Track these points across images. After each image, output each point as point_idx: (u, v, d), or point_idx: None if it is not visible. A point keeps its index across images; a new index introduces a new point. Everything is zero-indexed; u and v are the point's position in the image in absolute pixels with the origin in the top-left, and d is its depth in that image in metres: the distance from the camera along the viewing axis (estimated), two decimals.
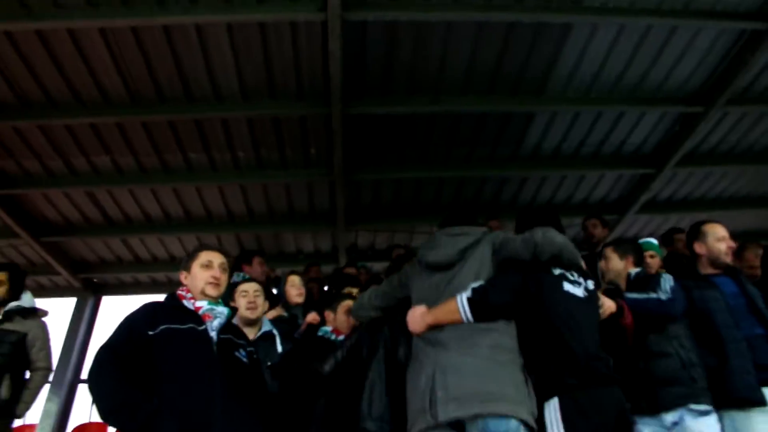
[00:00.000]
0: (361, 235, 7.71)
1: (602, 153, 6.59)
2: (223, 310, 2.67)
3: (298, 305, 4.45)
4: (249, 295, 3.62)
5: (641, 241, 4.64)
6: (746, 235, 8.26)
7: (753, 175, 7.25)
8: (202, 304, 2.63)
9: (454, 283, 2.68)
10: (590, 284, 2.84)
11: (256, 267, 4.90)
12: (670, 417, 2.86)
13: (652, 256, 4.31)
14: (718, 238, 3.43)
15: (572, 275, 2.76)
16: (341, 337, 3.46)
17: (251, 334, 3.43)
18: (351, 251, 7.82)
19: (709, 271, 3.42)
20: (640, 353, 3.01)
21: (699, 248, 3.47)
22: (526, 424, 2.35)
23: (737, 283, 3.35)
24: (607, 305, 2.89)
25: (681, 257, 5.31)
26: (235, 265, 4.84)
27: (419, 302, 2.75)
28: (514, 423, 2.32)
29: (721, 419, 2.94)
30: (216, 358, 2.50)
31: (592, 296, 2.82)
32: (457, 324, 2.54)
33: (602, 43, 5.10)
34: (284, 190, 6.69)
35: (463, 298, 2.55)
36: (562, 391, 2.48)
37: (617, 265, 3.39)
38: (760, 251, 4.33)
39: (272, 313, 4.20)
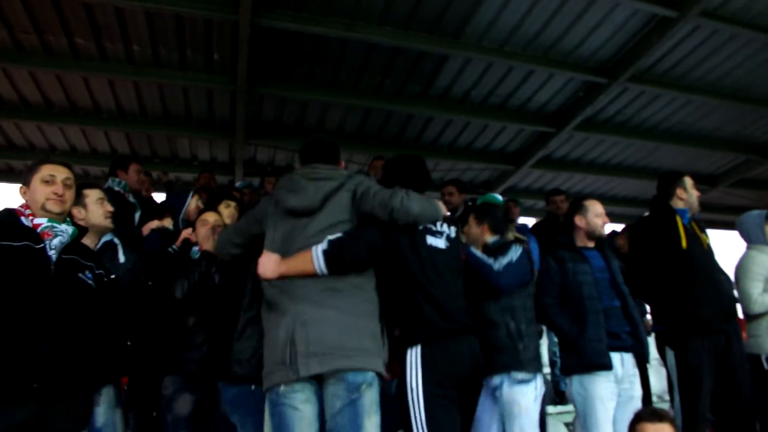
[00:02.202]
0: (260, 150, 7.50)
1: (508, 106, 6.73)
2: (65, 229, 2.49)
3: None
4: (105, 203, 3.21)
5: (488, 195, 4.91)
6: (625, 200, 8.96)
7: (639, 149, 7.79)
8: (42, 221, 2.43)
9: (309, 231, 2.59)
10: (452, 231, 2.95)
11: (132, 174, 4.57)
12: (494, 381, 3.15)
13: None
14: (596, 214, 3.67)
15: (434, 227, 2.84)
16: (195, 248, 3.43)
17: (91, 243, 3.02)
18: (249, 165, 7.62)
19: (584, 243, 3.68)
20: (476, 320, 3.12)
21: (579, 221, 3.68)
22: (379, 374, 2.47)
23: (604, 258, 3.64)
24: None
25: (556, 217, 5.73)
26: (111, 169, 4.56)
27: (272, 244, 2.66)
28: (370, 375, 2.41)
29: (573, 381, 3.33)
30: (51, 279, 2.34)
31: (453, 244, 2.92)
32: (314, 275, 2.50)
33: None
34: (182, 93, 6.29)
35: (318, 251, 2.48)
36: (424, 341, 2.63)
37: (474, 230, 3.54)
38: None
39: (155, 223, 4.00)
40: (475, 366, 2.78)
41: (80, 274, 2.47)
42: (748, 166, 8.39)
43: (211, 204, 3.85)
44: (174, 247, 3.56)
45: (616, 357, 3.30)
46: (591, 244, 3.67)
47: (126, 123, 6.65)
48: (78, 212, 2.93)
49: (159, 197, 6.26)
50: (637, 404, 3.33)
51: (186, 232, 3.68)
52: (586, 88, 6.36)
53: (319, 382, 2.44)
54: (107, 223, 3.07)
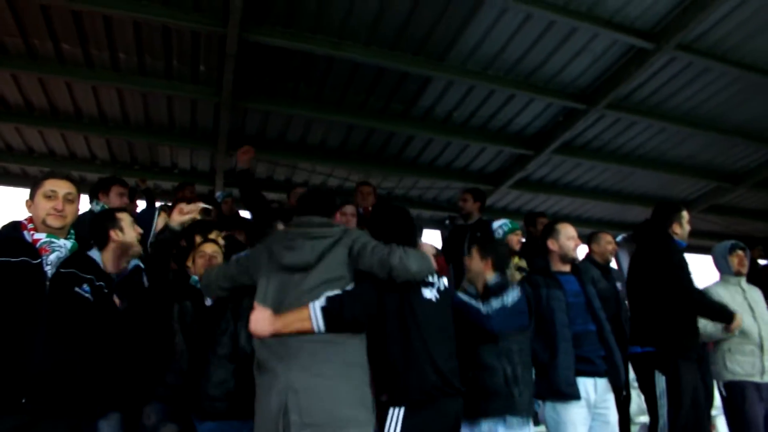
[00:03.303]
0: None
1: (489, 127, 6.85)
2: (63, 243, 2.54)
3: None
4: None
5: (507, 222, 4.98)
6: (600, 223, 9.14)
7: (614, 173, 7.99)
8: (41, 237, 2.48)
9: (304, 286, 2.59)
10: (442, 283, 2.98)
11: (114, 197, 4.53)
12: (486, 426, 3.09)
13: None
14: (568, 237, 3.76)
15: (427, 278, 2.87)
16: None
17: (118, 267, 3.11)
18: (229, 175, 7.60)
19: (558, 267, 3.75)
20: (470, 363, 3.15)
21: (552, 245, 3.77)
22: None
23: (579, 282, 3.71)
24: None
25: (536, 241, 5.81)
26: (92, 192, 4.53)
27: (263, 300, 2.64)
28: None
29: (546, 406, 3.38)
30: (45, 295, 2.37)
31: (444, 297, 2.95)
32: (306, 333, 2.47)
33: (508, 26, 5.19)
34: (166, 102, 6.27)
35: (316, 308, 2.47)
36: (411, 404, 2.63)
37: (477, 265, 3.45)
38: (611, 240, 4.93)
39: None
40: (456, 428, 2.82)
41: (77, 288, 2.50)
42: (719, 193, 8.62)
43: (204, 233, 3.85)
44: None
45: (589, 382, 3.36)
46: (566, 268, 3.74)
47: (107, 129, 6.60)
48: (115, 234, 3.01)
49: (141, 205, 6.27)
50: (614, 430, 3.39)
51: None
52: (565, 113, 6.51)
53: None
54: (138, 245, 3.18)
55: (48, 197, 2.54)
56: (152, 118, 6.52)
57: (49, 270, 2.44)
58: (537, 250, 5.46)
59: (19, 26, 5.07)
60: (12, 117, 6.27)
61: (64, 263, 2.50)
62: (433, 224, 9.04)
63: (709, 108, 6.57)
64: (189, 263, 3.59)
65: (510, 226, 5.05)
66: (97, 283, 2.62)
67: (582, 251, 4.49)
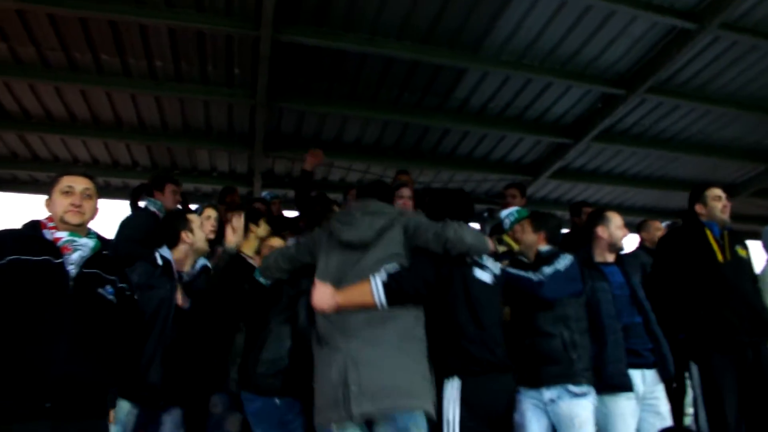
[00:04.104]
0: (279, 162, 7.55)
1: (525, 117, 6.73)
2: (86, 242, 2.47)
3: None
4: (212, 220, 3.54)
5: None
6: (643, 210, 8.91)
7: (656, 159, 7.74)
8: (62, 235, 2.42)
9: (362, 264, 2.65)
10: (497, 268, 3.00)
11: (168, 195, 4.63)
12: (548, 393, 3.05)
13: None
14: (618, 226, 3.65)
15: (482, 260, 2.89)
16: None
17: (187, 265, 3.28)
18: (267, 176, 7.68)
19: (604, 257, 3.64)
20: (527, 330, 3.18)
21: (602, 232, 3.64)
22: (428, 414, 2.52)
23: (623, 273, 3.60)
24: None
25: (582, 231, 5.66)
26: (147, 189, 4.62)
27: (324, 276, 2.70)
28: (419, 417, 2.47)
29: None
30: (68, 296, 2.31)
31: (498, 281, 2.97)
32: (367, 308, 2.52)
33: (543, 14, 5.08)
34: (203, 107, 6.36)
35: (378, 282, 2.52)
36: (464, 375, 2.66)
37: (529, 237, 3.48)
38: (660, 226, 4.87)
39: None
40: (509, 406, 2.84)
41: (100, 289, 2.45)
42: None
43: (277, 228, 3.89)
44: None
45: (637, 374, 3.29)
46: (611, 259, 3.64)
47: (147, 136, 6.75)
48: (186, 236, 3.17)
49: None
50: (664, 421, 3.31)
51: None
52: (604, 99, 6.34)
53: (368, 425, 2.51)
54: (206, 245, 3.34)
55: (65, 193, 2.47)
56: (190, 123, 6.63)
57: (71, 269, 2.37)
58: (581, 240, 5.38)
59: (60, 40, 5.21)
60: (57, 129, 6.47)
61: (87, 263, 2.44)
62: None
63: (756, 88, 6.30)
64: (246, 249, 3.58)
65: (517, 215, 4.95)
66: (120, 285, 2.57)
67: (629, 241, 4.39)
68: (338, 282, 2.64)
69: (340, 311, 2.56)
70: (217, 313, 3.29)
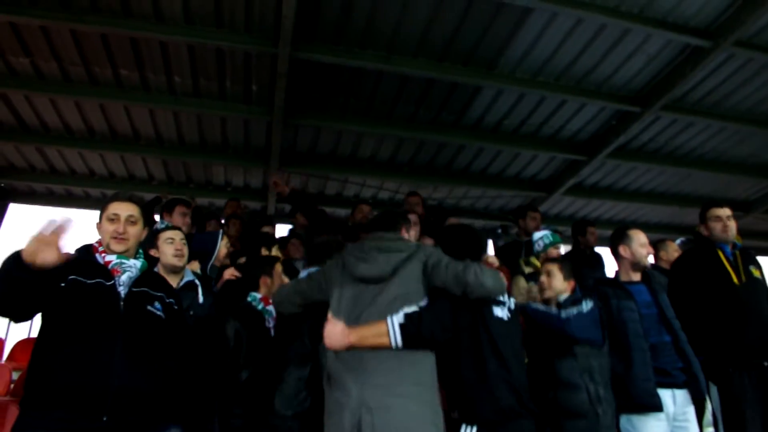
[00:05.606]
0: (293, 178, 7.59)
1: (540, 134, 6.76)
2: (133, 264, 2.58)
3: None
4: (176, 242, 3.44)
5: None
6: (658, 227, 8.87)
7: (671, 175, 7.73)
8: (112, 258, 2.54)
9: (380, 300, 2.59)
10: (512, 303, 2.95)
11: (177, 216, 4.69)
12: None
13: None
14: (641, 244, 3.59)
15: (499, 298, 2.85)
16: (269, 308, 3.39)
17: (173, 282, 3.31)
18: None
19: (629, 275, 3.60)
20: (549, 382, 3.07)
21: (624, 251, 3.59)
22: None
23: (651, 291, 3.54)
24: None
25: (584, 251, 5.59)
26: (159, 203, 4.68)
27: (338, 312, 2.64)
28: None
29: (620, 419, 3.19)
30: (120, 314, 2.43)
31: (514, 315, 2.92)
32: (382, 348, 2.46)
33: (558, 32, 5.13)
34: (220, 122, 6.43)
35: (394, 323, 2.46)
36: (484, 423, 2.60)
37: (560, 285, 3.38)
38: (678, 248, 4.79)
39: (195, 265, 4.08)
40: None
41: (149, 306, 2.55)
42: None
43: (268, 246, 3.88)
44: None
45: (667, 394, 3.22)
46: (636, 277, 3.58)
47: (164, 150, 6.83)
48: (155, 253, 3.25)
49: None
50: None
51: (229, 273, 3.79)
52: (619, 116, 6.36)
53: None
54: (175, 261, 3.35)
55: (111, 220, 2.59)
56: (206, 138, 6.70)
57: (122, 290, 2.50)
58: (584, 259, 5.33)
59: (81, 55, 5.30)
60: (76, 142, 6.55)
61: (135, 282, 2.56)
62: (485, 234, 8.95)
63: None
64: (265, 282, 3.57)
65: (551, 239, 4.87)
66: (168, 300, 2.67)
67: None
68: (352, 318, 2.57)
69: (353, 350, 2.51)
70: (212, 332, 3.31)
